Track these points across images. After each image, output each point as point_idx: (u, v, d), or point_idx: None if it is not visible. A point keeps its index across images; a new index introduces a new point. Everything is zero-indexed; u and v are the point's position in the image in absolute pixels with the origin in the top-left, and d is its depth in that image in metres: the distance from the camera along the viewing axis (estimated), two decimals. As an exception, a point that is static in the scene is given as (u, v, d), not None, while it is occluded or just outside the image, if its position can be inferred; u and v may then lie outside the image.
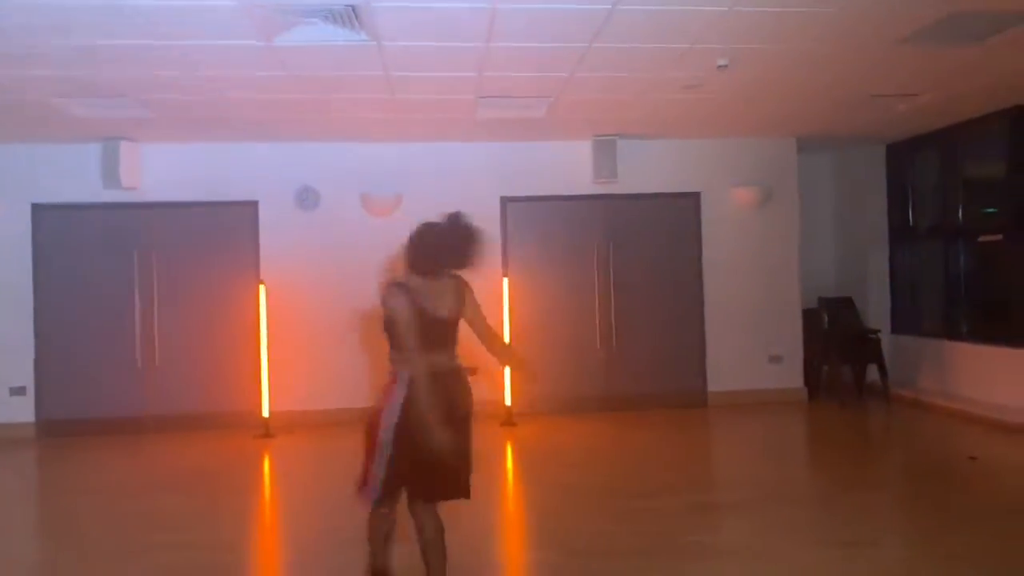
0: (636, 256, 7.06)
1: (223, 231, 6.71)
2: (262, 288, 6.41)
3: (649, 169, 7.01)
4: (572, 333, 7.02)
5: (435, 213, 7.04)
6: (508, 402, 6.62)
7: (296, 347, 6.65)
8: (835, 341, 7.15)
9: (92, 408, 6.47)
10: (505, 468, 5.45)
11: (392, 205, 6.78)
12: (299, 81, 4.80)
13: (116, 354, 6.55)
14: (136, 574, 3.27)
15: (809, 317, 7.33)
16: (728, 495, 4.37)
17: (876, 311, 7.56)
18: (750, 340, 7.13)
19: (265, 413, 6.33)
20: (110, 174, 6.30)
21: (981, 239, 6.60)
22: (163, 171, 6.56)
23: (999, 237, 6.37)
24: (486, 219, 6.81)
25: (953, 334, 6.87)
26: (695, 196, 7.13)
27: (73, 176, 6.47)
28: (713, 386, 7.11)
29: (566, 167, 6.95)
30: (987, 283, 6.71)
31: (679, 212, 7.14)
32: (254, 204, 6.72)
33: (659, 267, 7.13)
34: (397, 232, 6.75)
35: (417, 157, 6.88)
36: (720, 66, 4.59)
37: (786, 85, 5.26)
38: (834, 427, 6.31)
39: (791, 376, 7.19)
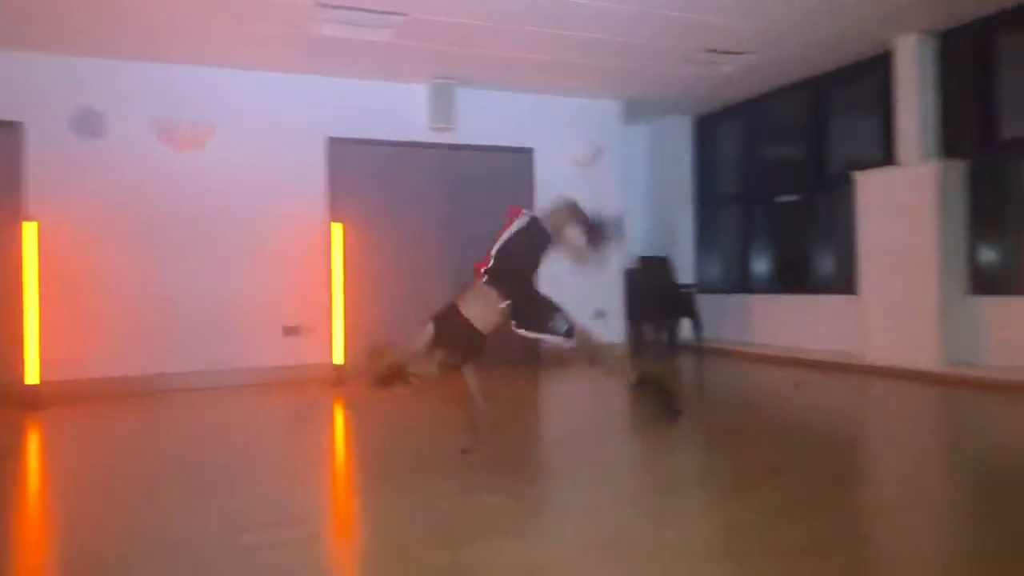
0: (477, 211, 6.81)
1: (-29, 155, 5.33)
2: (29, 227, 5.17)
3: (486, 120, 6.81)
4: (411, 289, 6.59)
5: (252, 150, 6.29)
6: (338, 361, 6.04)
7: (74, 304, 5.49)
8: (653, 297, 7.50)
9: None
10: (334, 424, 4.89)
11: (200, 139, 5.86)
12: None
13: None
14: None
15: (630, 276, 7.61)
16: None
17: (686, 270, 8.07)
18: (576, 297, 7.19)
19: (32, 380, 5.11)
20: None
21: (779, 199, 7.30)
22: None
23: (795, 197, 7.08)
24: (310, 160, 6.34)
25: (754, 287, 7.56)
26: (528, 152, 7.07)
27: None
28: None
29: (400, 110, 6.51)
30: (784, 239, 7.44)
31: (515, 167, 7.02)
32: (16, 126, 5.41)
33: (497, 223, 6.91)
34: (207, 171, 6.05)
35: (232, 86, 6.02)
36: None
37: (635, 20, 5.34)
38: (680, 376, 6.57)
39: (615, 330, 7.41)
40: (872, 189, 5.84)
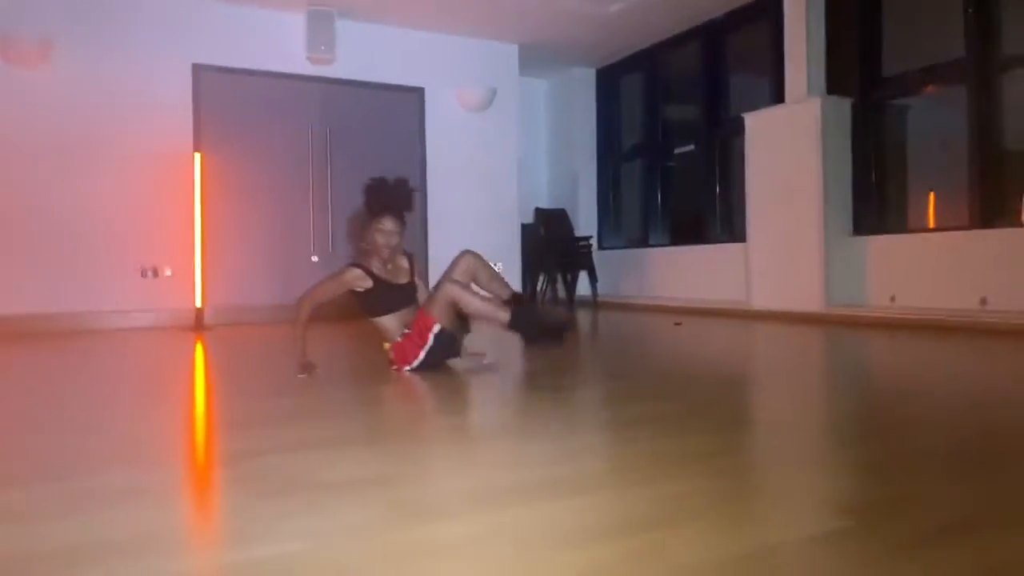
0: (357, 152, 6.42)
1: None
2: None
3: (371, 55, 6.43)
4: (282, 232, 6.18)
5: (102, 70, 5.70)
6: (199, 304, 5.58)
7: None
8: (551, 250, 7.27)
9: None
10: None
11: (37, 54, 5.30)
12: None
13: None
14: None
15: (527, 231, 7.36)
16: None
17: (586, 225, 7.87)
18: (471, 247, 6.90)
19: None
20: None
21: (677, 151, 7.16)
22: None
23: (691, 147, 6.95)
24: (172, 87, 5.83)
25: (650, 241, 7.41)
26: (419, 92, 6.72)
27: None
28: (435, 294, 6.78)
29: (275, 39, 6.07)
30: (681, 190, 7.32)
31: (402, 108, 6.67)
32: None
33: (382, 168, 6.53)
34: (44, 92, 5.50)
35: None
36: None
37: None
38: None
39: (513, 283, 7.12)
40: (759, 130, 5.73)
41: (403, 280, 3.13)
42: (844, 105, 5.34)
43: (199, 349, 4.33)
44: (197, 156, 5.59)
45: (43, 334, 5.17)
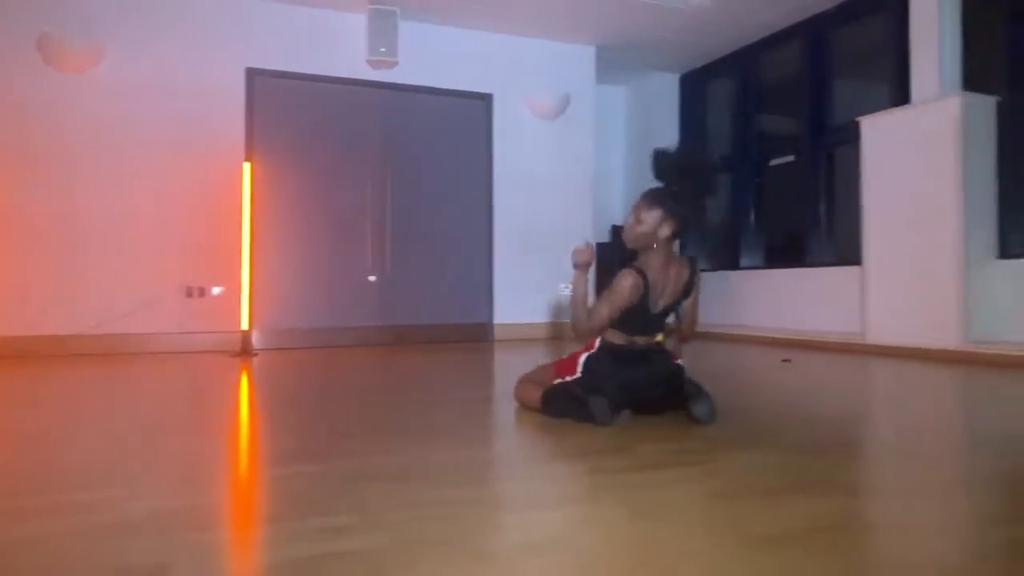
0: (419, 163, 5.92)
1: None
2: None
3: (435, 58, 5.94)
4: (336, 249, 5.70)
5: (155, 74, 5.29)
6: (245, 327, 5.12)
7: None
8: (630, 271, 6.57)
9: None
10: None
11: (90, 57, 4.99)
12: None
13: None
14: None
15: (603, 251, 6.67)
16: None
17: (667, 247, 7.15)
18: (539, 270, 6.28)
19: None
20: None
21: (773, 162, 6.39)
22: None
23: (791, 158, 6.17)
24: (224, 93, 5.41)
25: (744, 263, 6.64)
26: (486, 98, 6.18)
27: None
28: (499, 318, 6.17)
29: (333, 41, 5.64)
30: (779, 208, 6.53)
31: (468, 115, 6.14)
32: None
33: (445, 179, 6.05)
34: (96, 97, 5.18)
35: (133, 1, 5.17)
36: None
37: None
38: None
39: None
40: (880, 135, 4.92)
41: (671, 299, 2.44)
42: (988, 104, 4.50)
43: (244, 382, 3.82)
44: (247, 166, 5.16)
45: (73, 356, 4.79)
